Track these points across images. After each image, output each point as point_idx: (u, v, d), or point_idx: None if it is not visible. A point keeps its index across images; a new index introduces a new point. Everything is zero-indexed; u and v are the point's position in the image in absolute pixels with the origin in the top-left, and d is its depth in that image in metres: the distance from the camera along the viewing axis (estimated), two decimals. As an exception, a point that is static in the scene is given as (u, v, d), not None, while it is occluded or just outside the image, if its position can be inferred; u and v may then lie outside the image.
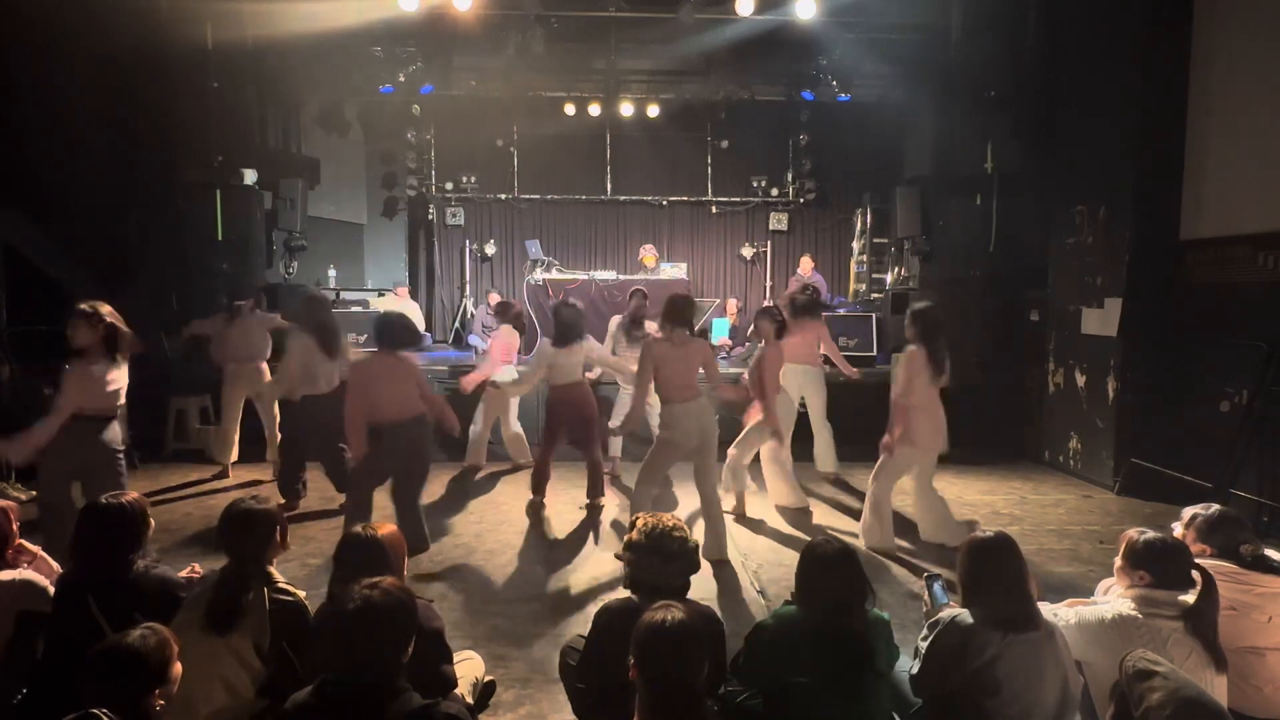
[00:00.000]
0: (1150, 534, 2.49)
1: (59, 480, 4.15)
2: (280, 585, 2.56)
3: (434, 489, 6.16)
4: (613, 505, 5.78)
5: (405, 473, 4.60)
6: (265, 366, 6.42)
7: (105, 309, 4.10)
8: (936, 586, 2.74)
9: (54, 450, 4.03)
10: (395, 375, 4.47)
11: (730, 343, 10.04)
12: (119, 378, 4.15)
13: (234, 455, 6.54)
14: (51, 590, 2.78)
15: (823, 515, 5.65)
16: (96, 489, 3.67)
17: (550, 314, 5.60)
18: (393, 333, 4.58)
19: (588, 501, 5.69)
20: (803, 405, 6.26)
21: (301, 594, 2.61)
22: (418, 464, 4.63)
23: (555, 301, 5.70)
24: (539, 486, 5.66)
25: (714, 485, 4.74)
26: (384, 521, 2.74)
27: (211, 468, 6.59)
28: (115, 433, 4.20)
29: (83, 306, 4.05)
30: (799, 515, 5.60)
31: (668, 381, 4.49)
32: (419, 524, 4.63)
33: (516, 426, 6.74)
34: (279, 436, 6.27)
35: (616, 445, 6.63)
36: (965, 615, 2.32)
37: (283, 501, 5.64)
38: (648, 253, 10.22)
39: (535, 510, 5.58)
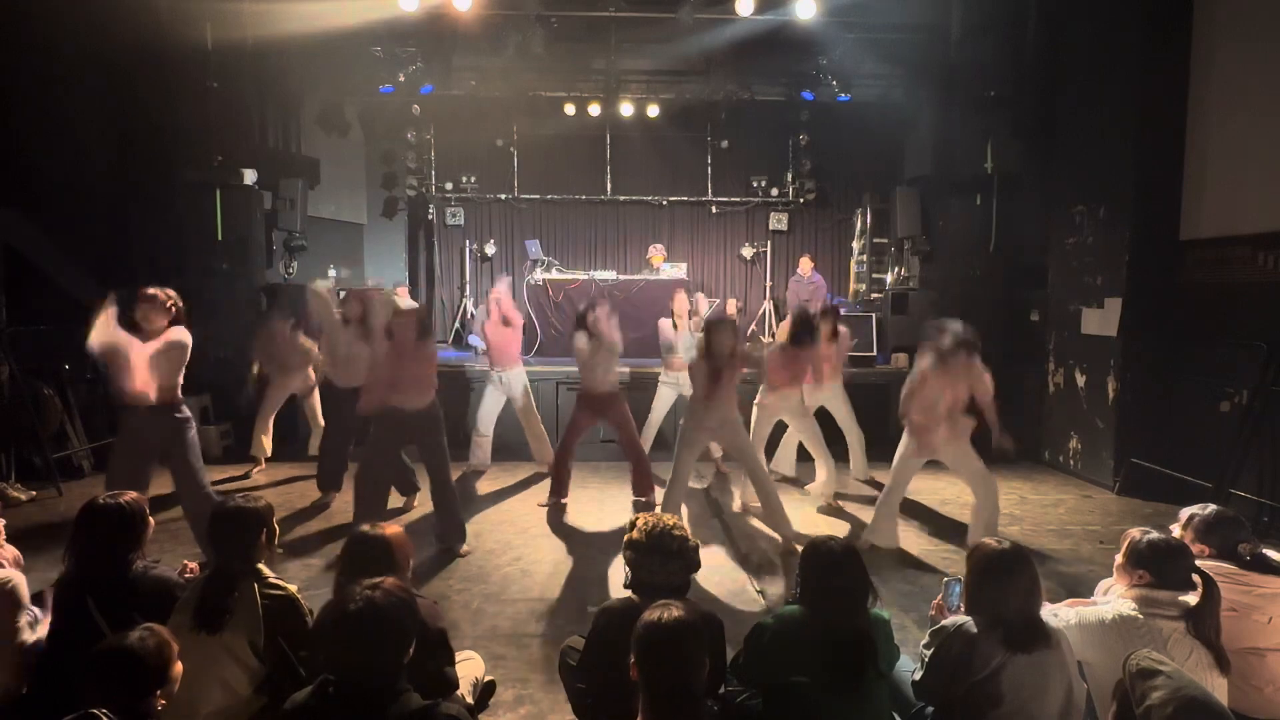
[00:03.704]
0: (1153, 534, 2.49)
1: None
2: (270, 580, 2.56)
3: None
4: (615, 504, 5.77)
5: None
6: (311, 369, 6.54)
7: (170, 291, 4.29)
8: (956, 589, 2.61)
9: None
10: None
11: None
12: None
13: (268, 450, 6.63)
14: (25, 589, 2.79)
15: (830, 517, 5.65)
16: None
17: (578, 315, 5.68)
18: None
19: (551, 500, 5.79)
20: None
21: (293, 588, 2.60)
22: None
23: (586, 305, 5.69)
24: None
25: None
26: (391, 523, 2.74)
27: (211, 468, 6.58)
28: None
29: (150, 291, 4.22)
30: (803, 515, 5.61)
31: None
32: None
33: (540, 429, 6.76)
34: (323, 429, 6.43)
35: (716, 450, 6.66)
36: (970, 624, 2.28)
37: (319, 495, 5.76)
38: (656, 252, 10.19)
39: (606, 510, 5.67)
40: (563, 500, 5.77)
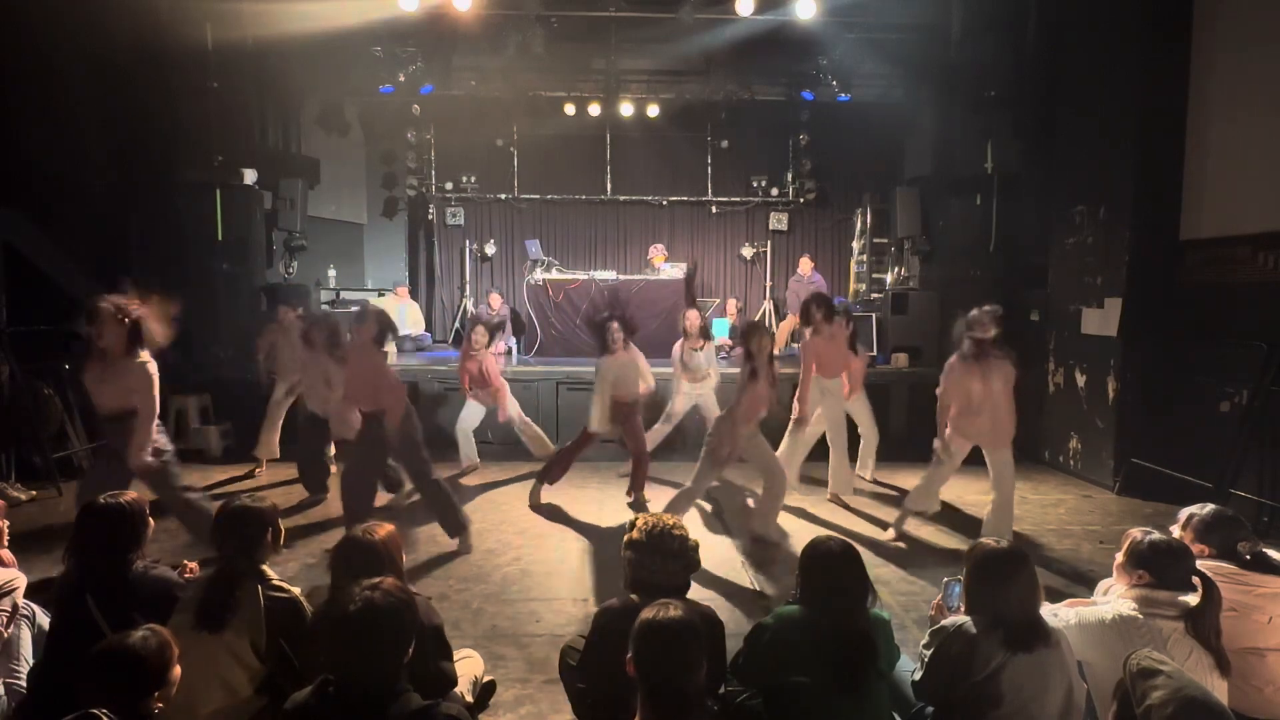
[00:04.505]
0: (1154, 534, 2.49)
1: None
2: (274, 582, 2.56)
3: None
4: (616, 504, 5.77)
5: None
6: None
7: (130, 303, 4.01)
8: (956, 589, 2.61)
9: None
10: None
11: (731, 343, 10.04)
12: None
13: (275, 451, 6.57)
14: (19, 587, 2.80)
15: (832, 516, 5.64)
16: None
17: (596, 327, 5.66)
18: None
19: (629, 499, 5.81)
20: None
21: (296, 590, 2.60)
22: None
23: (604, 315, 5.65)
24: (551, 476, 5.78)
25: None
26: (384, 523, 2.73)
27: (211, 468, 6.61)
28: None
29: (102, 303, 3.93)
30: (802, 515, 5.61)
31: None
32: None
33: (531, 424, 6.70)
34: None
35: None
36: (970, 624, 2.28)
37: (306, 495, 5.76)
38: (657, 253, 10.19)
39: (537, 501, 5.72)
40: (547, 485, 5.81)
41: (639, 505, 5.66)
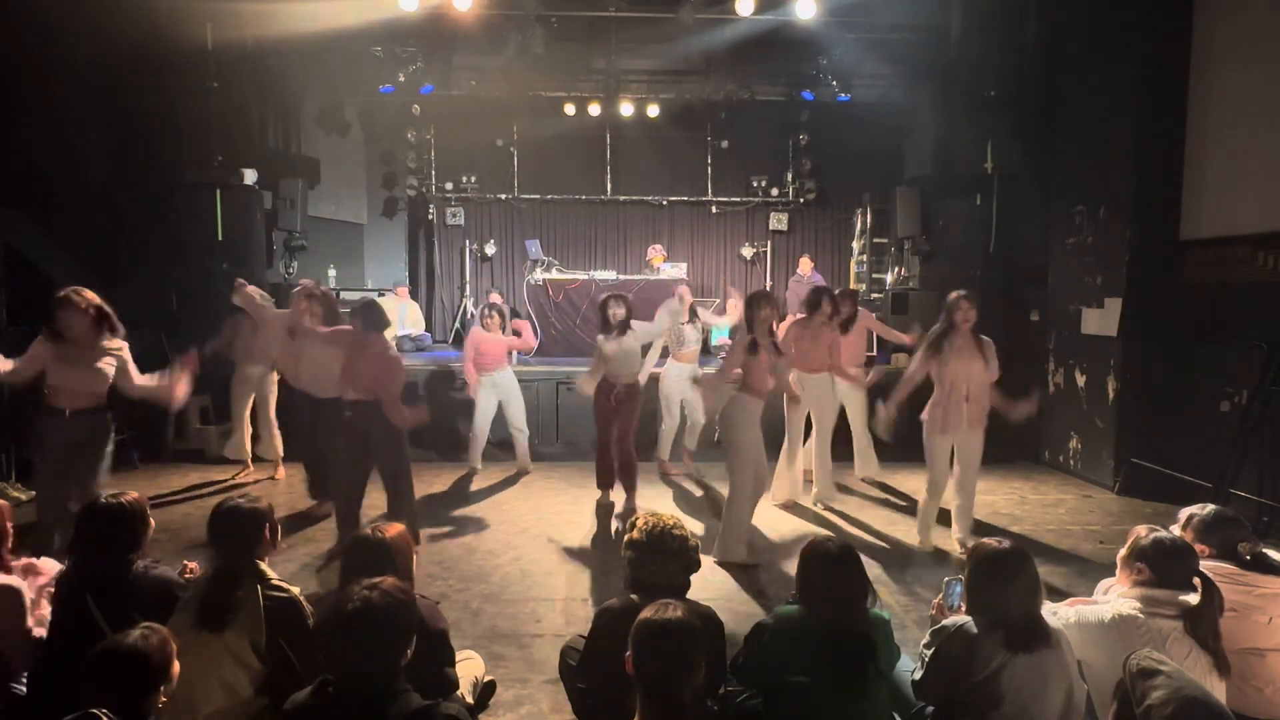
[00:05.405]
0: (1160, 532, 2.49)
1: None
2: (273, 582, 2.56)
3: (435, 489, 6.18)
4: (617, 504, 5.77)
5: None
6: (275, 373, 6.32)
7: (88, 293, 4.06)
8: (956, 589, 2.60)
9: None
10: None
11: (731, 343, 10.03)
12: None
13: (249, 449, 6.52)
14: (28, 602, 2.78)
15: (832, 517, 5.64)
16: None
17: (599, 308, 5.76)
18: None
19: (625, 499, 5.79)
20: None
21: (295, 590, 2.59)
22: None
23: (604, 296, 5.77)
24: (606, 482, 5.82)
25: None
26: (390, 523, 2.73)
27: (211, 468, 6.61)
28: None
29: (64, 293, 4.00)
30: (802, 514, 5.61)
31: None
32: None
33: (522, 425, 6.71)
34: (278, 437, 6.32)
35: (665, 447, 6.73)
36: (970, 624, 2.28)
37: (314, 503, 5.62)
38: (656, 253, 10.18)
39: (605, 510, 5.67)
40: (611, 495, 5.82)
41: (630, 513, 5.65)
